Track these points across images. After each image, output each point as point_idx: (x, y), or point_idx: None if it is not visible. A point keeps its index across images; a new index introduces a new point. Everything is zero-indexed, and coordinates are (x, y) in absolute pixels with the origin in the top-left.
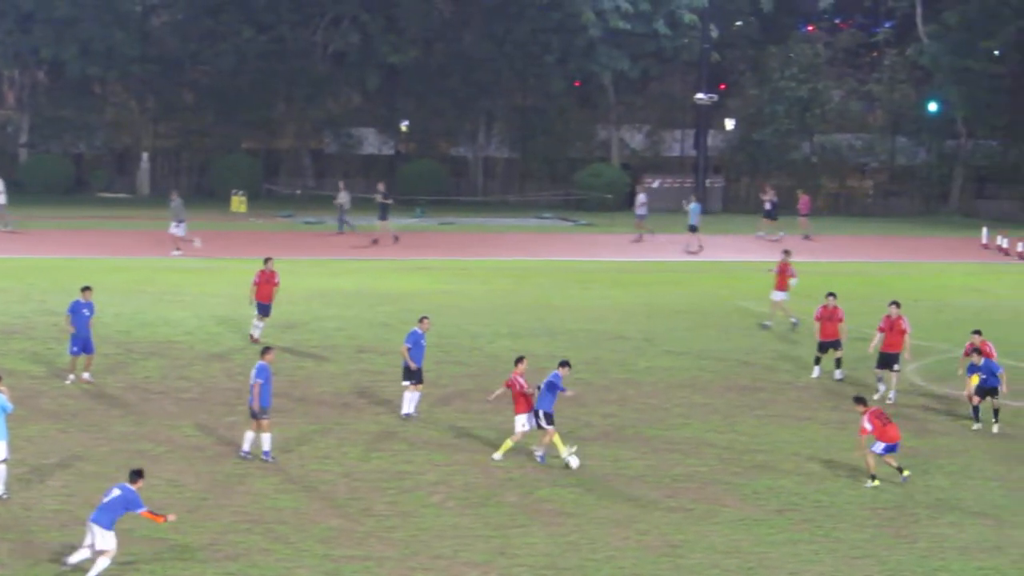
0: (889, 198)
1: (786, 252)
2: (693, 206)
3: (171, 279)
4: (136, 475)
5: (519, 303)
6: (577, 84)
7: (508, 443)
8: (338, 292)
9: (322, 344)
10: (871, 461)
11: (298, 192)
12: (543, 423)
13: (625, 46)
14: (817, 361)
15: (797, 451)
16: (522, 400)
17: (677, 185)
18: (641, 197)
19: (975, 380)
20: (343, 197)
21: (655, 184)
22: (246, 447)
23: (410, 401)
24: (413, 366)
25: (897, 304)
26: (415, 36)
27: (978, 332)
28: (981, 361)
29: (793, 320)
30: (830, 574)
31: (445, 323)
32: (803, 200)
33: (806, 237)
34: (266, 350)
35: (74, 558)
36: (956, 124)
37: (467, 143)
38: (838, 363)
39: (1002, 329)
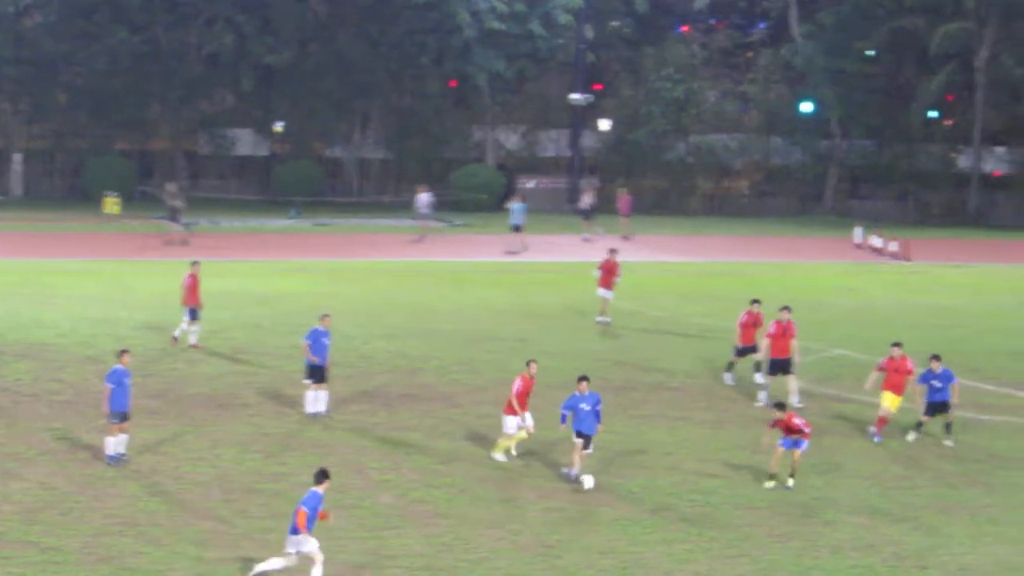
0: (764, 198)
1: (612, 251)
2: (517, 206)
3: (45, 280)
4: (322, 476)
5: (394, 304)
6: (453, 85)
7: (504, 443)
8: (212, 294)
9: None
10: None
11: None
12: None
13: (501, 47)
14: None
15: (671, 451)
16: (510, 403)
17: (553, 186)
18: (424, 197)
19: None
20: (177, 197)
21: (531, 184)
22: (120, 450)
23: (314, 400)
24: (316, 360)
25: (788, 309)
26: (290, 37)
27: (936, 357)
28: (940, 368)
29: (606, 320)
30: (705, 573)
31: None
32: (624, 199)
33: (625, 237)
34: (122, 352)
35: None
36: (830, 124)
37: (342, 144)
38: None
39: (876, 329)
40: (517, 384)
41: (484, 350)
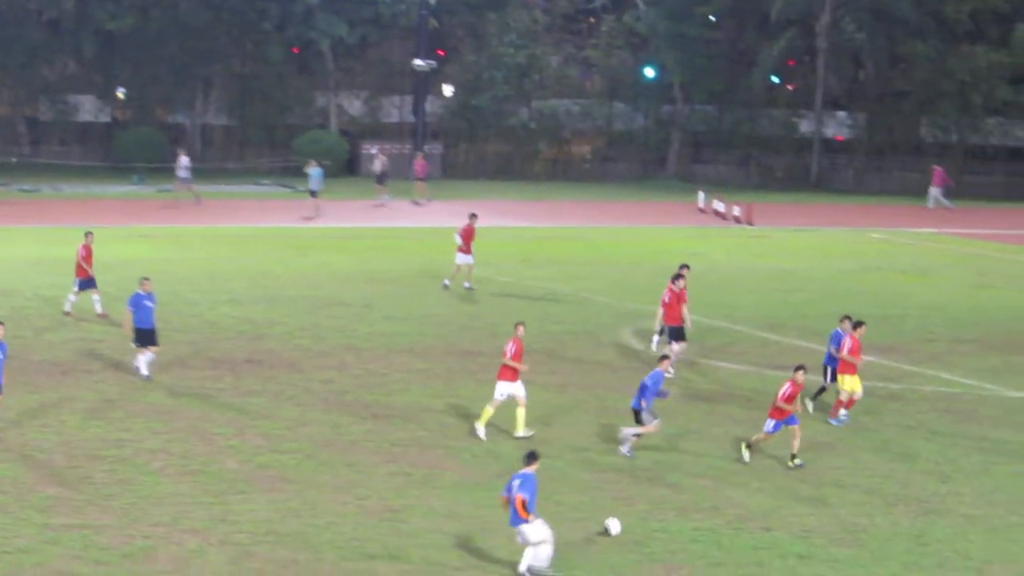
0: (607, 163)
1: (472, 215)
2: (314, 171)
3: None
4: (531, 457)
5: (238, 270)
6: (295, 51)
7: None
8: (55, 260)
9: (39, 313)
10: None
11: (14, 160)
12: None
13: (343, 12)
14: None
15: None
16: (506, 369)
17: (396, 152)
18: (183, 160)
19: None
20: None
21: (374, 151)
22: None
23: (144, 363)
24: (130, 328)
25: (682, 277)
26: (131, 3)
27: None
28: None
29: (447, 283)
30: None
31: (163, 290)
32: (419, 163)
33: (416, 203)
34: None
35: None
36: (672, 89)
37: (185, 110)
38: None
39: (719, 293)
40: (511, 347)
41: (328, 315)
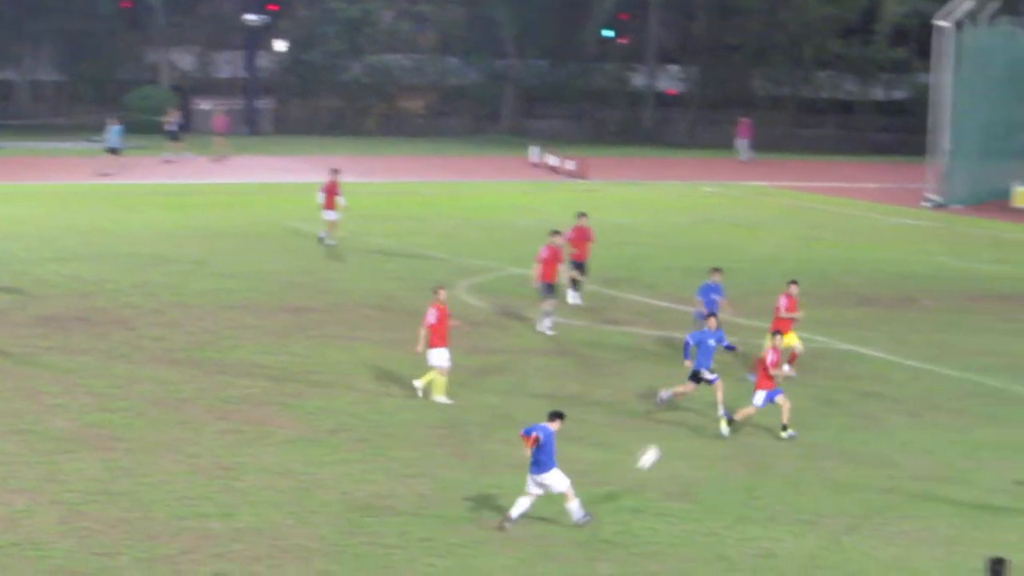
0: (440, 118)
1: (334, 171)
2: (114, 128)
3: None
4: (555, 416)
5: (66, 227)
6: (126, 5)
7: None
8: None
9: None
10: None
11: None
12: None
13: None
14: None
15: (350, 371)
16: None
17: (227, 107)
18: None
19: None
20: None
21: (206, 107)
22: None
23: None
24: None
25: (558, 233)
26: None
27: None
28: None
29: (330, 241)
30: (385, 493)
31: None
32: (218, 119)
33: (216, 159)
34: None
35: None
36: (506, 44)
37: (13, 66)
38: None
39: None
40: (432, 314)
41: (160, 273)
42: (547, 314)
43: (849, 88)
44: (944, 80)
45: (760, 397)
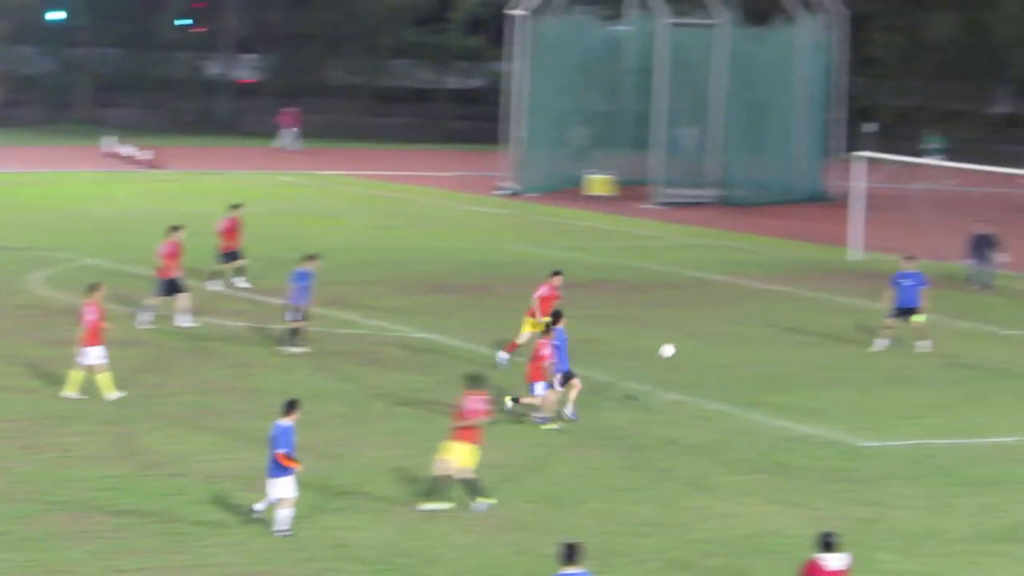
0: (11, 108)
1: None
2: None
3: None
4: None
5: None
6: None
7: None
8: None
9: None
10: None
11: None
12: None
13: None
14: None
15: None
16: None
17: None
18: None
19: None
20: None
21: None
22: None
23: None
24: None
25: (178, 229)
26: None
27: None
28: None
29: None
30: None
31: None
32: None
33: None
34: None
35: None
36: (81, 32)
37: None
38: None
39: (130, 236)
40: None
41: None
42: (151, 309)
43: (425, 76)
44: (519, 69)
45: (539, 387)
